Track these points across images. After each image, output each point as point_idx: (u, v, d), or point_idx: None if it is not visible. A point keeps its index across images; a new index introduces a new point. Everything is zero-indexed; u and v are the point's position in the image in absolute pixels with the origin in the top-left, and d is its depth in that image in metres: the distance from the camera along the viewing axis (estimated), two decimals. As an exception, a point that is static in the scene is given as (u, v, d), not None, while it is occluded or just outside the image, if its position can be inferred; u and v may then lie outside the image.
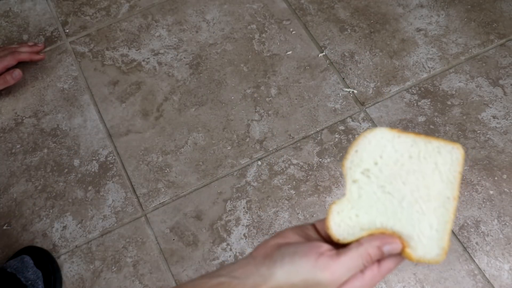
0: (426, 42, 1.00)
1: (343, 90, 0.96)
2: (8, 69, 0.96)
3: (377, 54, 0.99)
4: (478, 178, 0.86)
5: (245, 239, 0.83)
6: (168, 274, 0.81)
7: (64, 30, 1.05)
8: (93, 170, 0.90)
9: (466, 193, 0.84)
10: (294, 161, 0.89)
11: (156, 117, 0.94)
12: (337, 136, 0.91)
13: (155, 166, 0.90)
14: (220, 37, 1.03)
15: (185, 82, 0.98)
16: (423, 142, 0.42)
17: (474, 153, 0.88)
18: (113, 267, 0.81)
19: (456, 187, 0.42)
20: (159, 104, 0.96)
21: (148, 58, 1.01)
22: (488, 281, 0.78)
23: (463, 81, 0.95)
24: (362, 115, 0.93)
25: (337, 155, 0.89)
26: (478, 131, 0.90)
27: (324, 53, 0.98)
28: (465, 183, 0.85)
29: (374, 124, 0.92)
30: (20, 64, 0.99)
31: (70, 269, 0.82)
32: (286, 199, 0.85)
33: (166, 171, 0.89)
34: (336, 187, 0.86)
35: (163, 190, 0.87)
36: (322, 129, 0.92)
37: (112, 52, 1.02)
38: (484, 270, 0.78)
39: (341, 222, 0.43)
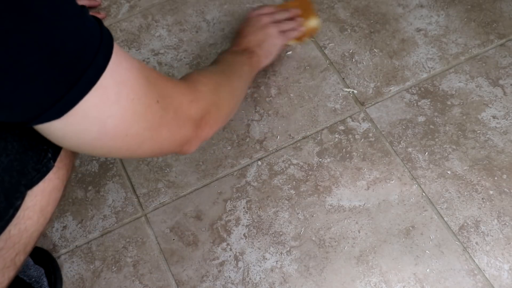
0: (426, 42, 1.00)
1: (343, 90, 0.96)
2: None
3: (377, 54, 0.99)
4: (478, 178, 0.86)
5: (245, 239, 0.83)
6: (168, 274, 0.81)
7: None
8: (93, 170, 0.90)
9: (466, 193, 0.84)
10: (294, 161, 0.89)
11: (156, 117, 0.94)
12: (337, 136, 0.91)
13: (155, 166, 0.90)
14: (220, 37, 1.03)
15: (185, 82, 0.98)
16: None
17: (474, 153, 0.88)
18: (113, 267, 0.81)
19: None
20: (159, 104, 0.96)
21: (148, 58, 1.01)
22: (488, 281, 0.78)
23: (463, 81, 0.95)
24: (362, 115, 0.93)
25: (337, 155, 0.89)
26: (478, 131, 0.90)
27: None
28: (465, 183, 0.85)
29: (374, 124, 0.92)
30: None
31: (70, 269, 0.82)
32: (286, 199, 0.85)
33: (166, 171, 0.89)
34: (336, 187, 0.86)
35: (163, 190, 0.87)
36: (322, 129, 0.92)
37: (112, 52, 1.02)
38: (484, 270, 0.78)
39: None
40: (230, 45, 0.92)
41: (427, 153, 0.88)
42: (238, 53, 0.85)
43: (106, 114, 0.45)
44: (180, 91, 0.56)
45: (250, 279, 0.80)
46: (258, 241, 0.82)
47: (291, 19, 0.96)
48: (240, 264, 0.81)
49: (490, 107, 0.92)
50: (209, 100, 0.61)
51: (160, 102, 0.51)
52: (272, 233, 0.83)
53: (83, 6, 0.44)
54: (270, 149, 0.90)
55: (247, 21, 0.94)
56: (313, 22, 0.98)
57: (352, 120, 0.92)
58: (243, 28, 0.92)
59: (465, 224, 0.82)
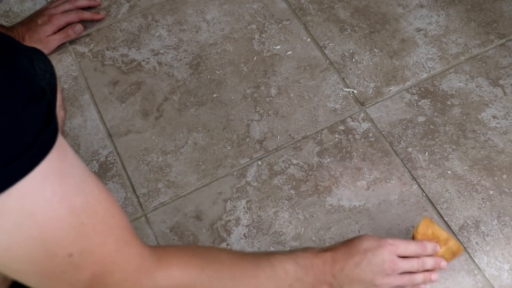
0: (426, 42, 1.00)
1: (343, 90, 0.96)
2: (69, 24, 1.01)
3: (377, 54, 0.99)
4: (478, 178, 0.86)
5: (245, 239, 0.83)
6: (168, 274, 0.81)
7: (64, 30, 1.05)
8: (93, 170, 0.90)
9: (466, 193, 0.84)
10: (294, 161, 0.89)
11: (156, 117, 0.95)
12: (337, 136, 0.91)
13: (155, 166, 0.90)
14: (220, 37, 1.03)
15: (185, 82, 0.98)
16: None
17: (474, 153, 0.88)
18: None
19: None
20: (159, 104, 0.96)
21: (148, 58, 1.01)
22: (488, 281, 0.78)
23: (463, 81, 0.95)
24: (362, 115, 0.93)
25: (337, 155, 0.89)
26: (478, 131, 0.90)
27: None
28: (465, 183, 0.85)
29: (374, 124, 0.92)
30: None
31: (70, 269, 0.82)
32: (286, 199, 0.85)
33: (166, 171, 0.89)
34: (336, 187, 0.86)
35: (163, 190, 0.87)
36: (322, 129, 0.92)
37: (112, 52, 1.02)
38: (484, 270, 0.78)
39: None
40: (330, 247, 0.66)
41: (427, 153, 0.88)
42: (302, 271, 0.60)
43: None
44: (128, 259, 0.44)
45: (250, 279, 0.80)
46: (258, 241, 0.82)
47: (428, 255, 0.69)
48: (240, 264, 0.81)
49: (490, 107, 0.92)
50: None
51: (73, 257, 0.40)
52: (272, 233, 0.83)
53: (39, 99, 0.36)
54: (270, 149, 0.90)
55: (375, 253, 0.64)
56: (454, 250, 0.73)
57: (352, 120, 0.92)
58: (359, 259, 0.63)
59: (465, 224, 0.82)
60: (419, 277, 0.67)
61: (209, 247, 0.57)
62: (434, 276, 0.69)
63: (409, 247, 0.66)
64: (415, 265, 0.66)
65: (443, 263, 0.69)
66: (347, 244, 0.65)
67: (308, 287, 0.60)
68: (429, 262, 0.68)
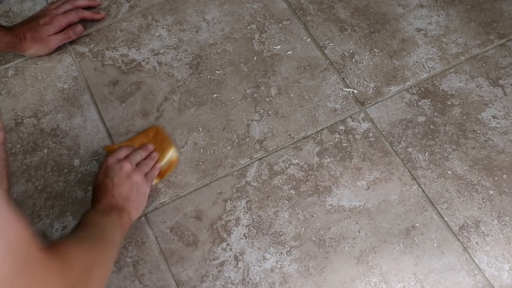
0: (426, 42, 1.00)
1: (343, 90, 0.96)
2: (70, 25, 1.01)
3: (377, 54, 0.99)
4: (478, 178, 0.86)
5: (245, 239, 0.83)
6: (168, 274, 0.81)
7: (64, 30, 1.05)
8: (93, 170, 0.90)
9: (466, 193, 0.84)
10: (294, 161, 0.89)
11: (156, 117, 0.94)
12: (337, 136, 0.91)
13: (155, 166, 0.90)
14: (220, 37, 1.03)
15: (185, 82, 0.98)
16: None
17: (474, 153, 0.88)
18: (113, 267, 0.81)
19: None
20: (159, 104, 0.96)
21: (148, 58, 1.01)
22: (488, 281, 0.78)
23: (463, 81, 0.95)
24: (362, 115, 0.93)
25: (337, 155, 0.89)
26: (478, 131, 0.90)
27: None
28: (465, 183, 0.85)
29: (374, 124, 0.92)
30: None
31: (70, 269, 0.82)
32: (286, 199, 0.85)
33: (166, 171, 0.89)
34: (336, 187, 0.86)
35: (163, 190, 0.87)
36: (322, 129, 0.92)
37: (112, 52, 1.02)
38: (484, 270, 0.78)
39: None
40: (93, 201, 0.77)
41: (427, 153, 0.88)
42: (106, 213, 0.72)
43: None
44: (49, 280, 0.44)
45: (250, 279, 0.80)
46: (258, 241, 0.82)
47: (147, 156, 0.85)
48: (240, 264, 0.81)
49: (490, 107, 0.92)
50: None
51: None
52: (272, 233, 0.83)
53: None
54: (270, 149, 0.90)
55: (106, 171, 0.79)
56: (170, 155, 0.87)
57: (352, 120, 0.92)
58: (104, 180, 0.78)
59: (465, 224, 0.82)
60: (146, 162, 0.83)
61: (80, 241, 0.62)
62: (157, 164, 0.85)
63: (124, 151, 0.83)
64: (136, 159, 0.82)
65: (150, 146, 0.86)
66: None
67: (118, 219, 0.73)
68: (140, 153, 0.84)
